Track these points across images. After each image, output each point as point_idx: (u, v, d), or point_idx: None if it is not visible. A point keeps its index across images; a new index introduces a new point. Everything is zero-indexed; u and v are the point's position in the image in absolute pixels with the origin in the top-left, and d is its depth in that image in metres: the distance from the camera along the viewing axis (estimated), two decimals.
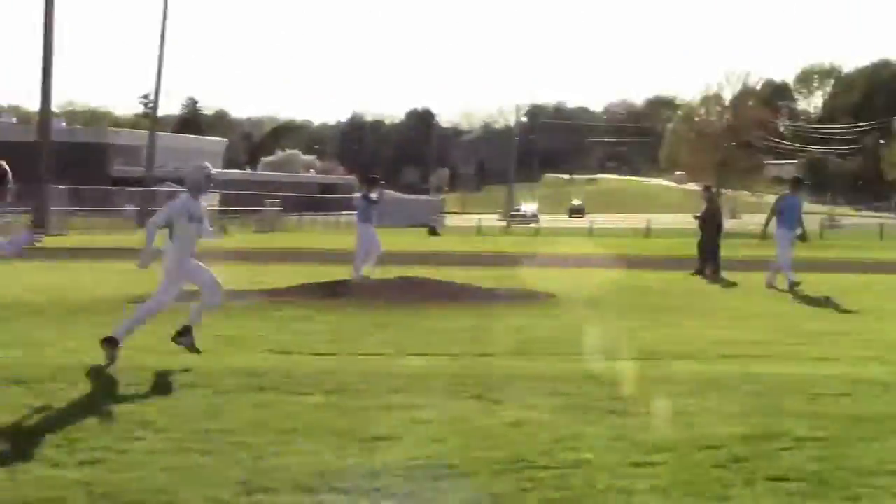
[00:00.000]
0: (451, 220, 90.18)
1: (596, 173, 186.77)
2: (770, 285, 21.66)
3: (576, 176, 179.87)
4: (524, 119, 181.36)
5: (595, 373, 10.39)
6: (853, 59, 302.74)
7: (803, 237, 22.66)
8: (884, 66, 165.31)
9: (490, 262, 31.42)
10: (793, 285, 20.91)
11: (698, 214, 27.32)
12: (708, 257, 25.98)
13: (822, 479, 6.40)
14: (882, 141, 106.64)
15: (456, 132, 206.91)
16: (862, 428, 7.82)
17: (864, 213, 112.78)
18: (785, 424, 7.88)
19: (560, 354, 11.98)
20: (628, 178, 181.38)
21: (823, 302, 19.08)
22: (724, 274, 25.15)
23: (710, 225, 26.55)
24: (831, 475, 6.47)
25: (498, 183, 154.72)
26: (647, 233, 62.77)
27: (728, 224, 29.97)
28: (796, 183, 24.24)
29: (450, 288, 19.23)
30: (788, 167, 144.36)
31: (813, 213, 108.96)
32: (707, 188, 29.61)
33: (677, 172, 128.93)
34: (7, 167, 8.55)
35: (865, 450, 7.15)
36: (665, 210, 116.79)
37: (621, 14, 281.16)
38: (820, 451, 7.08)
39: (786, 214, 21.99)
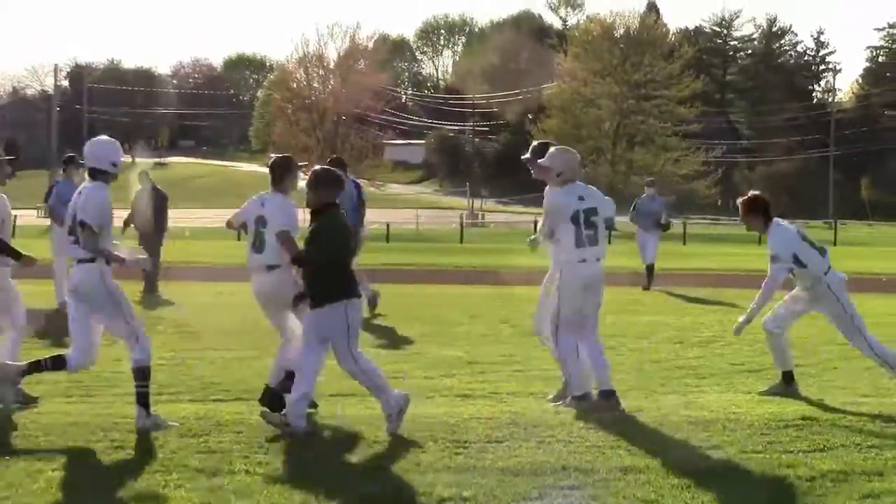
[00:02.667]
0: None
1: (166, 154, 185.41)
2: None
3: (139, 159, 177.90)
4: (66, 83, 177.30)
5: (176, 418, 10.53)
6: (486, 8, 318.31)
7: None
8: (525, 18, 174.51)
9: (33, 273, 30.55)
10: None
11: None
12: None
13: None
14: (530, 116, 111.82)
15: None
16: None
17: (514, 208, 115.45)
18: None
19: (127, 395, 11.95)
20: (209, 161, 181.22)
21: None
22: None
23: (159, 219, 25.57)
24: None
25: (37, 167, 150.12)
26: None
27: None
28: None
29: None
30: (415, 149, 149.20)
31: (451, 208, 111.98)
32: (143, 173, 27.15)
33: (272, 155, 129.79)
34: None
35: None
36: None
37: None
38: None
39: None
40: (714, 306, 23.16)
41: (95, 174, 10.84)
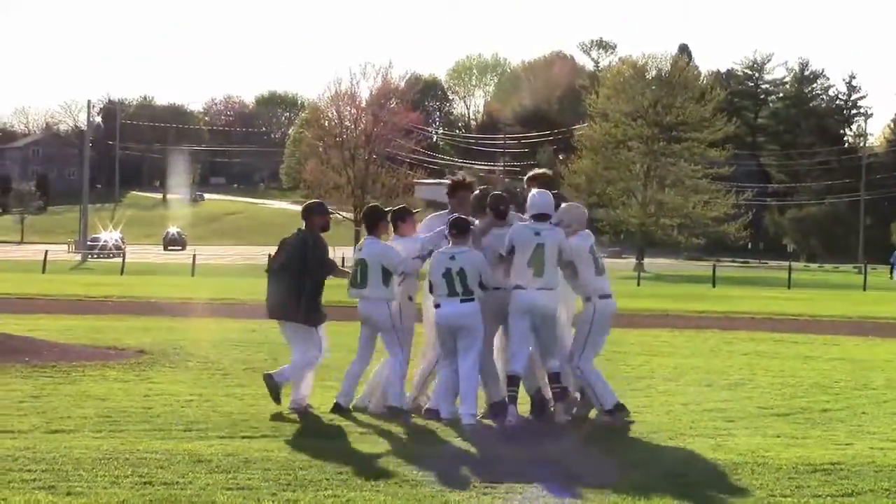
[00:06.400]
0: (4, 252, 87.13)
1: (198, 191, 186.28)
2: None
3: (171, 196, 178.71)
4: (99, 119, 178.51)
5: (205, 455, 10.58)
6: (519, 49, 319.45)
7: None
8: (558, 58, 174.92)
9: (63, 309, 30.87)
10: None
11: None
12: None
13: None
14: (561, 157, 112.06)
15: (6, 135, 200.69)
16: None
17: None
18: None
19: (156, 431, 12.05)
20: (240, 199, 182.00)
21: None
22: None
23: None
24: None
25: (68, 203, 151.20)
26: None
27: None
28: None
29: (6, 343, 18.76)
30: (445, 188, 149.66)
31: None
32: None
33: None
34: None
35: None
36: None
37: None
38: None
39: None
40: (743, 349, 23.10)
41: None
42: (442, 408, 13.07)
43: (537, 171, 14.76)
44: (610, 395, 13.15)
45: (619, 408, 13.10)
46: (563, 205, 13.85)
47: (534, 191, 13.62)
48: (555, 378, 13.07)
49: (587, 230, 13.62)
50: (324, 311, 13.89)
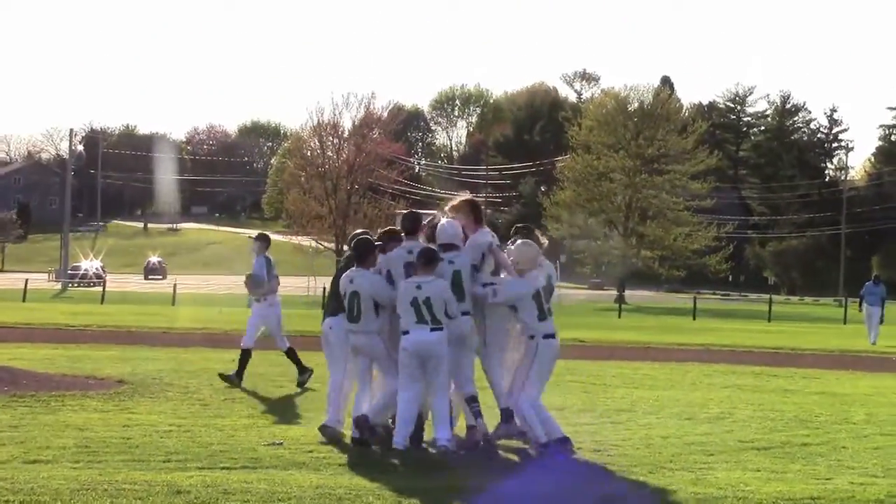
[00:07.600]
0: None
1: (179, 221, 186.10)
2: None
3: (152, 224, 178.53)
4: (81, 148, 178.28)
5: (184, 486, 10.55)
6: (502, 80, 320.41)
7: None
8: (540, 90, 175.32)
9: (43, 338, 30.78)
10: None
11: None
12: None
13: None
14: (543, 188, 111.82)
15: None
16: None
17: None
18: None
19: (135, 461, 12.00)
20: (222, 228, 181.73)
21: None
22: None
23: None
24: None
25: (49, 231, 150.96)
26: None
27: None
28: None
29: None
30: (427, 219, 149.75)
31: None
32: None
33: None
34: None
35: None
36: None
37: (200, 19, 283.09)
38: None
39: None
40: (723, 382, 23.12)
41: None
42: (398, 434, 13.12)
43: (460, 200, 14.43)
44: (542, 433, 13.24)
45: (563, 441, 13.27)
46: (517, 243, 13.89)
47: (443, 220, 13.90)
48: (472, 399, 13.50)
49: (535, 272, 13.72)
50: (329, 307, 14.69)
